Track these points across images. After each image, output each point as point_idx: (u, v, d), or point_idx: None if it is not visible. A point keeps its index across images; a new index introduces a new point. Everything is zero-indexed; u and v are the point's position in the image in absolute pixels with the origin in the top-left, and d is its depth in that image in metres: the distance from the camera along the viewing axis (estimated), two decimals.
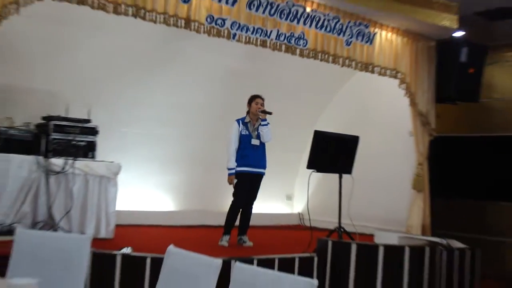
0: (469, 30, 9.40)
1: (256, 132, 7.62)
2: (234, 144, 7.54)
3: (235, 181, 7.44)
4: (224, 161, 7.64)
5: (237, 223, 7.67)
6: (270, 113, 7.58)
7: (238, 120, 7.67)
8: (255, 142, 7.59)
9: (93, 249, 4.90)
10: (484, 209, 10.43)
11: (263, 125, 7.58)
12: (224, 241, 7.45)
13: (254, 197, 7.67)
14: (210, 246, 7.36)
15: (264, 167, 7.70)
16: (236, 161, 7.59)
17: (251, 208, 7.68)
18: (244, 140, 7.58)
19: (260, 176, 7.66)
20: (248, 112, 7.71)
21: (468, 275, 7.20)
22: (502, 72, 10.51)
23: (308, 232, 7.06)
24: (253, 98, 7.67)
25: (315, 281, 3.01)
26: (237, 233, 7.65)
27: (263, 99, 7.65)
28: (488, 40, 9.96)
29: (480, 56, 9.63)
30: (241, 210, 7.60)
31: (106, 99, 8.81)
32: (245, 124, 7.64)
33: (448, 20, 8.85)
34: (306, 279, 3.06)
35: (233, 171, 7.48)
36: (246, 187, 7.54)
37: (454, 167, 10.69)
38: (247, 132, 7.59)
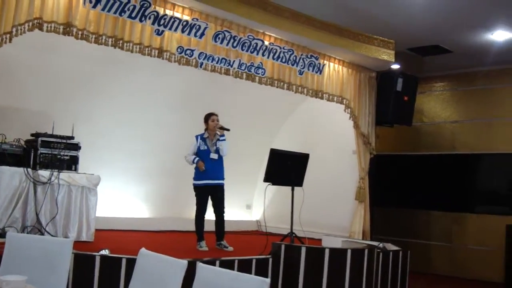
0: (404, 63, 9.65)
1: (215, 147, 7.49)
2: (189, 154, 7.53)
3: (201, 164, 7.37)
4: (191, 174, 7.63)
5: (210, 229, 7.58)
6: (227, 130, 7.50)
7: (197, 136, 7.57)
8: (213, 156, 7.46)
9: (75, 251, 4.89)
10: (415, 217, 10.67)
11: (221, 140, 7.48)
12: (204, 246, 7.33)
13: (222, 207, 7.50)
14: (179, 249, 7.35)
15: (223, 178, 7.55)
16: (196, 175, 7.52)
17: (223, 216, 7.50)
18: (202, 155, 7.47)
19: (219, 187, 7.50)
20: (206, 129, 7.60)
21: (400, 273, 7.38)
22: (431, 100, 10.82)
23: (265, 237, 7.07)
24: (208, 116, 7.54)
25: (267, 280, 3.00)
26: (215, 239, 7.55)
27: (217, 115, 7.54)
28: (419, 72, 10.24)
29: (413, 86, 9.89)
30: (214, 219, 7.47)
31: (87, 117, 8.74)
32: (203, 139, 7.53)
33: (386, 55, 9.04)
34: (260, 278, 3.06)
35: (197, 158, 7.42)
36: (206, 198, 7.49)
37: (391, 180, 10.95)
38: (206, 147, 7.48)
